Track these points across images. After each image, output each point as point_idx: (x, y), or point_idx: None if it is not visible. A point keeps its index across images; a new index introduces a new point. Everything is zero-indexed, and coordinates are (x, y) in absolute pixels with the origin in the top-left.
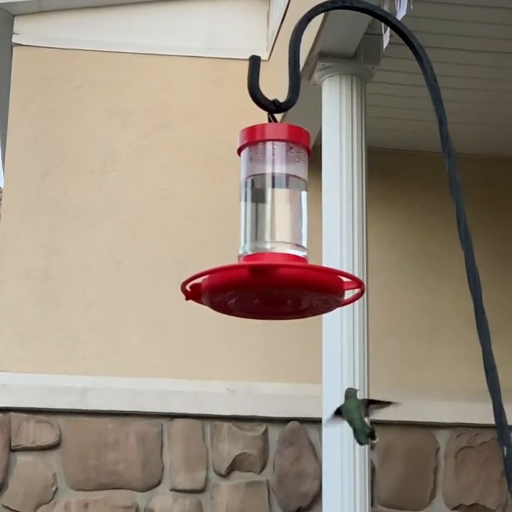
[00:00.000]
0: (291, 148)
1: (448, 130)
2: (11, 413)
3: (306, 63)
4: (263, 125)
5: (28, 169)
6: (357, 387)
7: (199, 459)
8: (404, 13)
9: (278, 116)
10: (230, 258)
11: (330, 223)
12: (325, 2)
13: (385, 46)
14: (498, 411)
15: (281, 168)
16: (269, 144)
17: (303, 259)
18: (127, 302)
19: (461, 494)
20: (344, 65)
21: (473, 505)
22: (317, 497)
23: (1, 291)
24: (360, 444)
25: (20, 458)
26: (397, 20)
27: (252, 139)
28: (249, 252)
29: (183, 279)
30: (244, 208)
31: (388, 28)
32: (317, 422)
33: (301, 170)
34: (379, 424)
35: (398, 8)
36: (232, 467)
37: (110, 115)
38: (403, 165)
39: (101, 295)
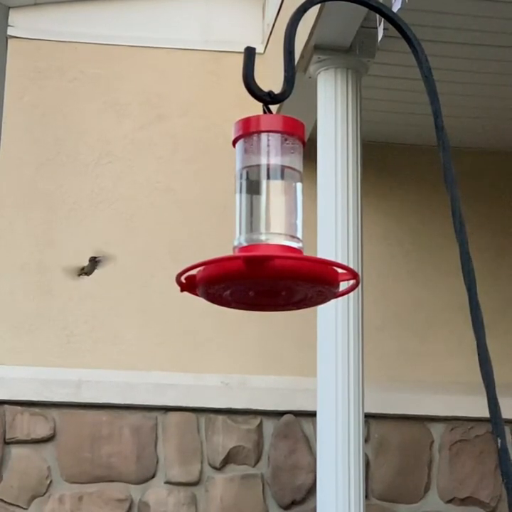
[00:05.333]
0: (286, 139)
1: (443, 122)
2: (6, 406)
3: (302, 56)
4: (258, 116)
5: (22, 161)
6: (351, 381)
7: (193, 452)
8: (400, 6)
9: (273, 109)
10: (225, 250)
11: (325, 216)
12: None
13: (379, 39)
14: (493, 403)
15: (276, 160)
16: (264, 136)
17: (298, 251)
18: (122, 295)
19: (455, 487)
20: (339, 58)
21: (468, 498)
22: (311, 490)
23: None
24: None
25: (15, 450)
26: (392, 12)
27: (247, 131)
28: (245, 244)
29: (178, 271)
30: (240, 200)
31: (382, 21)
32: (312, 415)
33: (296, 161)
34: (373, 418)
35: (393, 0)
36: (227, 460)
37: (105, 108)
38: (398, 158)
39: (96, 288)
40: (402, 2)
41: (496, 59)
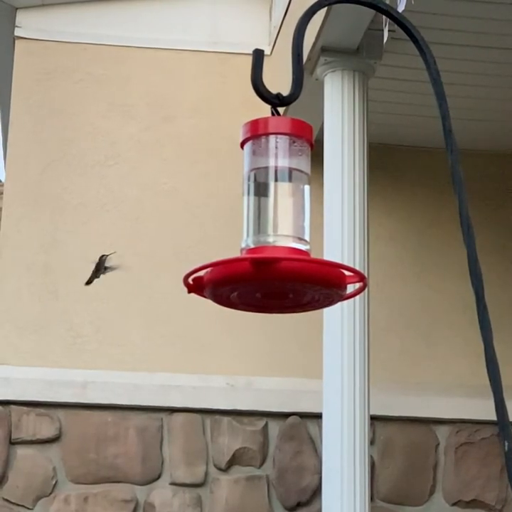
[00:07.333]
0: (294, 141)
1: (451, 124)
2: (12, 406)
3: (309, 58)
4: (266, 118)
5: (29, 162)
6: (357, 382)
7: (199, 453)
8: (403, 8)
9: (280, 110)
10: (231, 252)
11: (331, 218)
12: None
13: (385, 41)
14: (500, 406)
15: (284, 162)
16: (272, 138)
17: (305, 253)
18: (128, 296)
19: (461, 490)
20: (346, 60)
21: (473, 501)
22: (317, 492)
23: (1, 284)
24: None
25: (21, 451)
26: (400, 14)
27: (256, 133)
28: (252, 246)
29: (185, 273)
30: (247, 202)
31: (388, 23)
32: (317, 416)
33: (304, 164)
34: (379, 420)
35: (398, 2)
36: (232, 461)
37: (112, 109)
38: (405, 160)
39: (101, 289)
40: (407, 4)
41: (503, 62)
